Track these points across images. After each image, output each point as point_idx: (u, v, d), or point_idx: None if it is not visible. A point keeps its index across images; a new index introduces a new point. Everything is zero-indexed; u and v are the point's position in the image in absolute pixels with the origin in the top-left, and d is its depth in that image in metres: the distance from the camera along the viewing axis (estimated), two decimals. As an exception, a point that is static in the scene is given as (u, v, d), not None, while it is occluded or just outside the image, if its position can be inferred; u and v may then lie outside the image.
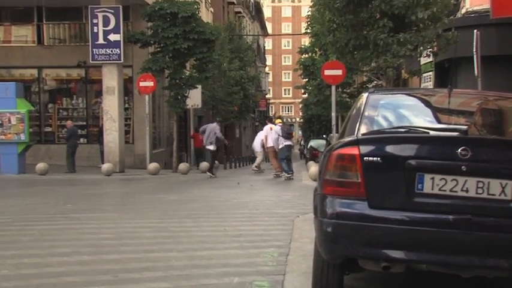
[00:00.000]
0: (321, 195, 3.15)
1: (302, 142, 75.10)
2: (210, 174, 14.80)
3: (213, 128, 14.92)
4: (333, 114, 13.75)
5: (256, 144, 15.09)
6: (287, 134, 14.74)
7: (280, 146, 14.72)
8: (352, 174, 3.00)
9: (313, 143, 4.36)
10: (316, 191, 3.31)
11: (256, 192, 9.94)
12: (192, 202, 8.35)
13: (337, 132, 14.50)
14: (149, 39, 15.60)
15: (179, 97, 16.41)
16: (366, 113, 3.37)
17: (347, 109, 20.68)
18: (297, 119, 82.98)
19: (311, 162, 17.53)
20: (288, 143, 14.67)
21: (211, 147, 15.12)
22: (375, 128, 3.26)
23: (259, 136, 15.58)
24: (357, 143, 3.05)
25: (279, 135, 14.70)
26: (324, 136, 30.56)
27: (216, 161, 15.56)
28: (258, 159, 15.79)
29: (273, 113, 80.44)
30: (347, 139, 3.18)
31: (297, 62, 26.99)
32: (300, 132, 77.80)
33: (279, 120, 15.82)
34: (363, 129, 3.24)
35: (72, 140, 14.78)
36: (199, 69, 16.44)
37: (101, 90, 16.32)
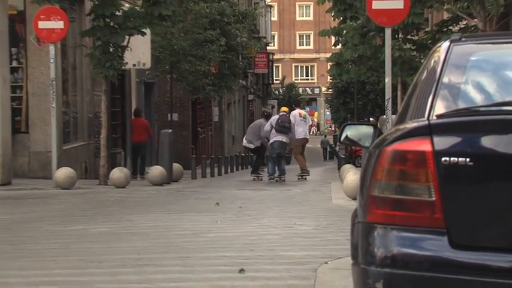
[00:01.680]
0: (366, 225, 3.16)
1: (326, 130, 74.73)
2: (254, 176, 20.23)
3: (258, 125, 20.24)
4: (387, 80, 13.76)
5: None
6: (280, 127, 18.87)
7: (270, 141, 19.04)
8: (420, 187, 3.01)
9: (350, 131, 4.34)
10: (357, 217, 3.32)
11: (250, 220, 10.00)
12: (135, 238, 8.38)
13: (394, 113, 14.57)
14: None
15: (111, 50, 16.42)
16: (446, 79, 3.36)
17: (413, 71, 20.74)
18: (323, 89, 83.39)
19: (347, 166, 17.81)
20: (280, 138, 18.92)
21: (251, 145, 20.08)
22: (462, 104, 3.26)
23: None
24: (429, 131, 3.06)
25: (272, 126, 18.95)
26: (372, 119, 30.66)
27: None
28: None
29: (282, 78, 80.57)
30: (411, 125, 3.18)
31: (322, -13, 26.51)
32: (328, 113, 78.24)
33: (285, 109, 20.12)
34: (440, 108, 3.24)
35: None
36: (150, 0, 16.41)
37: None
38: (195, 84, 28.12)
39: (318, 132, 73.31)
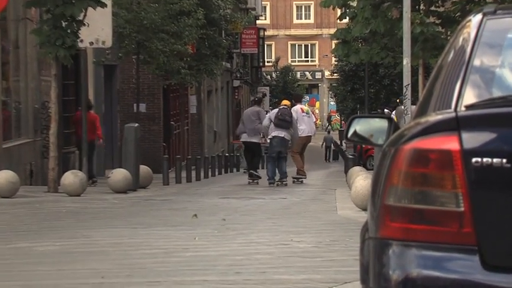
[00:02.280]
0: (378, 241, 3.17)
1: (329, 126, 74.84)
2: (250, 179, 21.04)
3: (255, 113, 21.52)
4: (406, 62, 13.79)
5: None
6: (280, 121, 19.89)
7: (269, 137, 20.23)
8: (445, 194, 3.03)
9: (360, 126, 4.36)
10: (368, 231, 3.34)
11: (235, 236, 10.05)
12: (93, 258, 8.39)
13: (414, 102, 14.61)
14: None
15: (63, 25, 16.40)
16: (478, 61, 3.38)
17: (437, 51, 20.80)
18: (326, 74, 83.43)
19: (356, 169, 17.89)
20: (280, 134, 19.90)
21: (256, 140, 21.39)
22: (496, 92, 3.27)
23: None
24: (456, 125, 3.07)
25: (271, 120, 20.05)
26: (386, 111, 30.71)
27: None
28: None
29: (275, 59, 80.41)
30: (435, 117, 3.19)
31: None
32: (333, 103, 78.10)
33: (286, 102, 21.25)
34: (471, 96, 3.25)
35: None
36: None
37: None
38: (168, 67, 28.08)
39: (329, 127, 73.49)
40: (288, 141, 20.46)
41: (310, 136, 21.59)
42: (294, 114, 20.49)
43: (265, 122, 20.32)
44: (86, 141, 19.56)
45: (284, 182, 20.29)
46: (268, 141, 20.59)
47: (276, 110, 20.68)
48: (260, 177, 21.26)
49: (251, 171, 21.61)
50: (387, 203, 3.13)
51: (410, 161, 3.08)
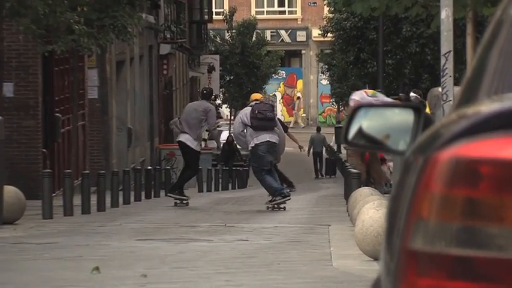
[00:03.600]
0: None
1: (321, 118, 73.91)
2: (179, 197, 24.37)
3: (197, 109, 24.02)
4: (445, 15, 13.97)
5: None
6: (260, 121, 21.90)
7: (251, 145, 22.26)
8: (505, 232, 3.08)
9: (368, 120, 4.43)
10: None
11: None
12: None
13: (457, 82, 14.79)
14: None
15: None
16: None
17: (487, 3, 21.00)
18: (313, 34, 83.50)
19: (363, 192, 17.95)
20: (267, 138, 22.00)
21: (195, 146, 23.79)
22: None
23: None
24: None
25: (246, 124, 22.17)
26: (413, 95, 31.12)
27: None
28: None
29: (229, 11, 79.84)
30: (489, 107, 3.26)
31: None
32: (325, 81, 77.80)
33: (258, 96, 24.01)
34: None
35: None
36: None
37: None
38: (51, 21, 28.05)
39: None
40: (277, 147, 22.10)
41: None
42: (359, 98, 22.67)
43: (237, 124, 22.18)
44: None
45: (281, 206, 22.25)
46: (250, 151, 22.20)
47: (248, 109, 22.25)
48: (186, 198, 23.22)
49: (169, 194, 23.64)
50: (412, 247, 3.18)
51: (450, 178, 3.14)
